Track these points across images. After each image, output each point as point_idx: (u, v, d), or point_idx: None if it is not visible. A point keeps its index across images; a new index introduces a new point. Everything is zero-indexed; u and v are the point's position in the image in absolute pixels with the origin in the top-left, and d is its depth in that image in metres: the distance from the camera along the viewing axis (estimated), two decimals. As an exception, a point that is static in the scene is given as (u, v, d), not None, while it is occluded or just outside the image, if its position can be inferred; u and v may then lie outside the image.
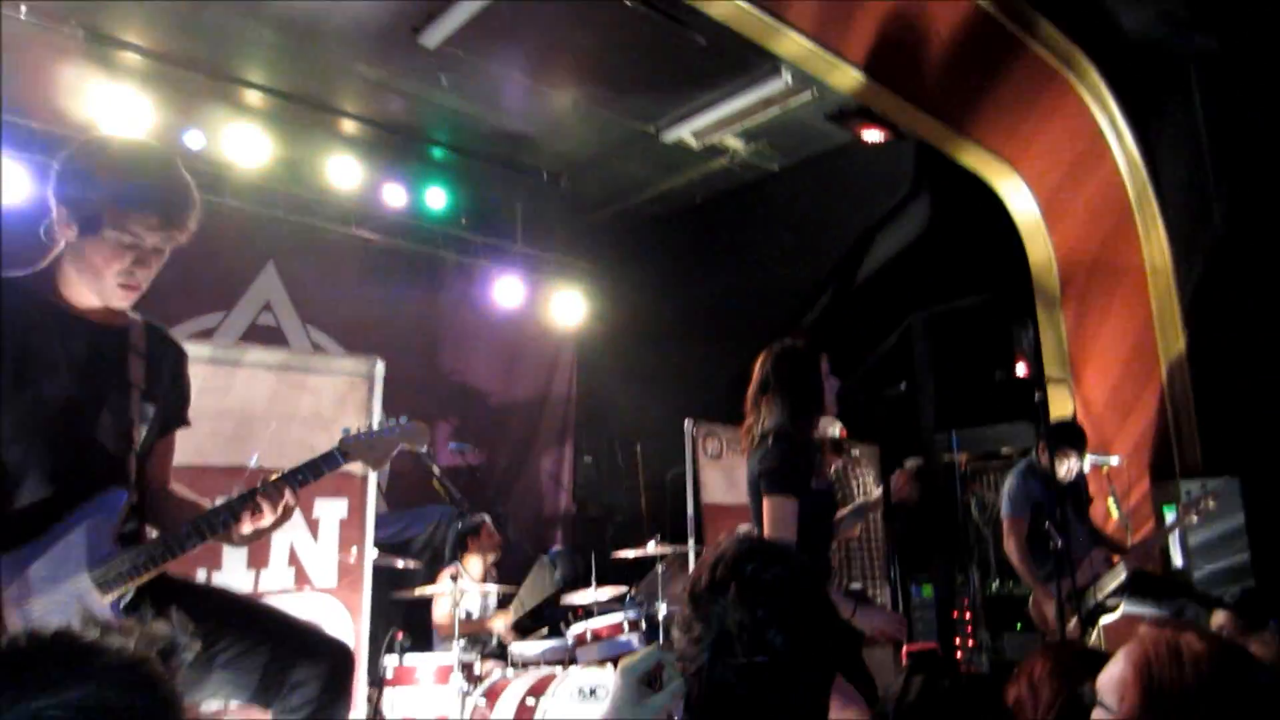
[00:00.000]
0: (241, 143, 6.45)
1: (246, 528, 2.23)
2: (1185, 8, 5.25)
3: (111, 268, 2.15)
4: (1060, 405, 5.79)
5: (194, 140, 6.29)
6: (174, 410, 2.45)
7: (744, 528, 5.80)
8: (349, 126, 7.14)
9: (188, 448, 2.60)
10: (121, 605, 2.15)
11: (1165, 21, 5.38)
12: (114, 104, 5.69)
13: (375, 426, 2.56)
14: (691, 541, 5.63)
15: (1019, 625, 5.76)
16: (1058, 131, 5.82)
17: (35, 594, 2.04)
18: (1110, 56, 5.56)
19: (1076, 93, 5.63)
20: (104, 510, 2.15)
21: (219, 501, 2.29)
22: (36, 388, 2.13)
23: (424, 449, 2.62)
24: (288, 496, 2.26)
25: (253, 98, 6.57)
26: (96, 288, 2.19)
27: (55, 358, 2.17)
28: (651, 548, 5.50)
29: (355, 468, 4.27)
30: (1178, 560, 5.05)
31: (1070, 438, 4.65)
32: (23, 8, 5.23)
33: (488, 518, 6.19)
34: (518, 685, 4.77)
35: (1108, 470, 5.17)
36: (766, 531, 2.94)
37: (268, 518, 2.24)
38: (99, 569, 2.10)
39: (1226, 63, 5.40)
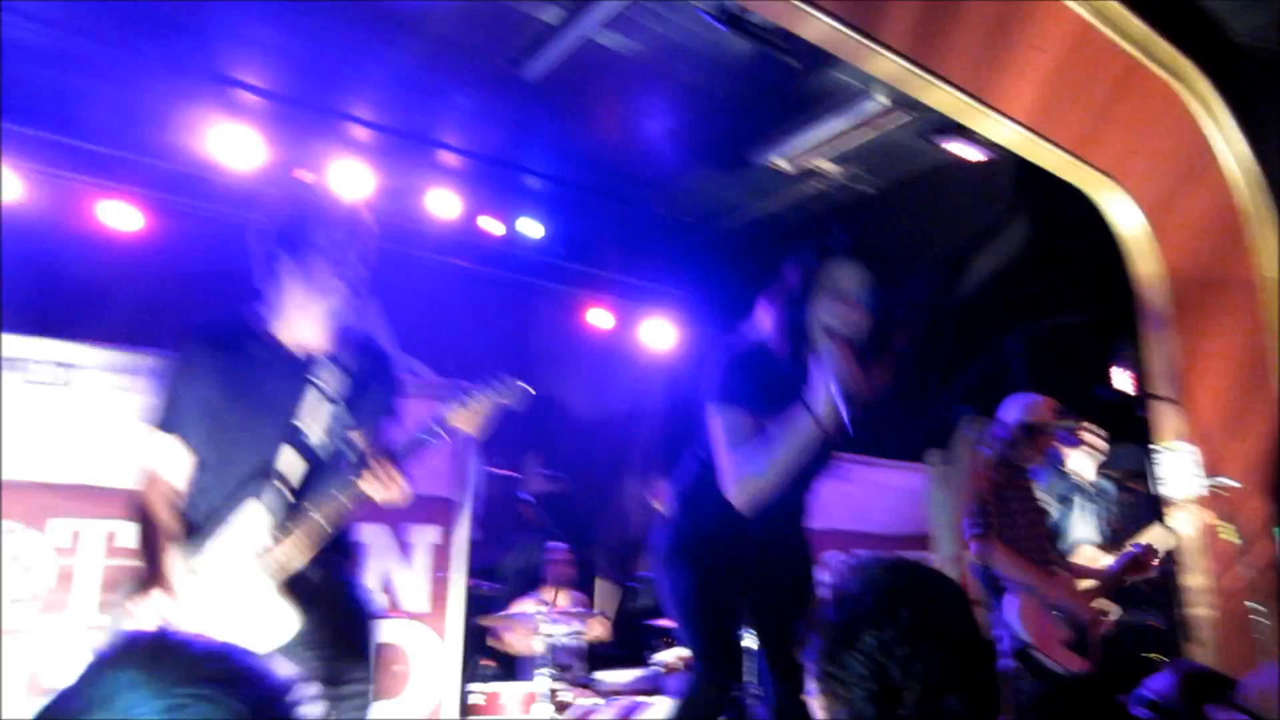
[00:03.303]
0: (345, 177, 6.64)
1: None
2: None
3: None
4: (1168, 425, 5.54)
5: (304, 177, 6.51)
6: None
7: (842, 557, 5.66)
8: (448, 158, 7.30)
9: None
10: None
11: (1278, 27, 5.14)
12: (229, 141, 6.08)
13: (471, 388, 2.55)
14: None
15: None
16: (1164, 142, 5.58)
17: None
18: (1220, 64, 5.33)
19: (1183, 101, 5.40)
20: None
21: None
22: None
23: (518, 406, 2.63)
24: (395, 475, 2.43)
25: (358, 132, 6.78)
26: None
27: None
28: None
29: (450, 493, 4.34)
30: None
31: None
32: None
33: (562, 547, 6.19)
34: (605, 714, 4.75)
35: (1221, 492, 4.86)
36: None
37: (378, 494, 2.43)
38: None
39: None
